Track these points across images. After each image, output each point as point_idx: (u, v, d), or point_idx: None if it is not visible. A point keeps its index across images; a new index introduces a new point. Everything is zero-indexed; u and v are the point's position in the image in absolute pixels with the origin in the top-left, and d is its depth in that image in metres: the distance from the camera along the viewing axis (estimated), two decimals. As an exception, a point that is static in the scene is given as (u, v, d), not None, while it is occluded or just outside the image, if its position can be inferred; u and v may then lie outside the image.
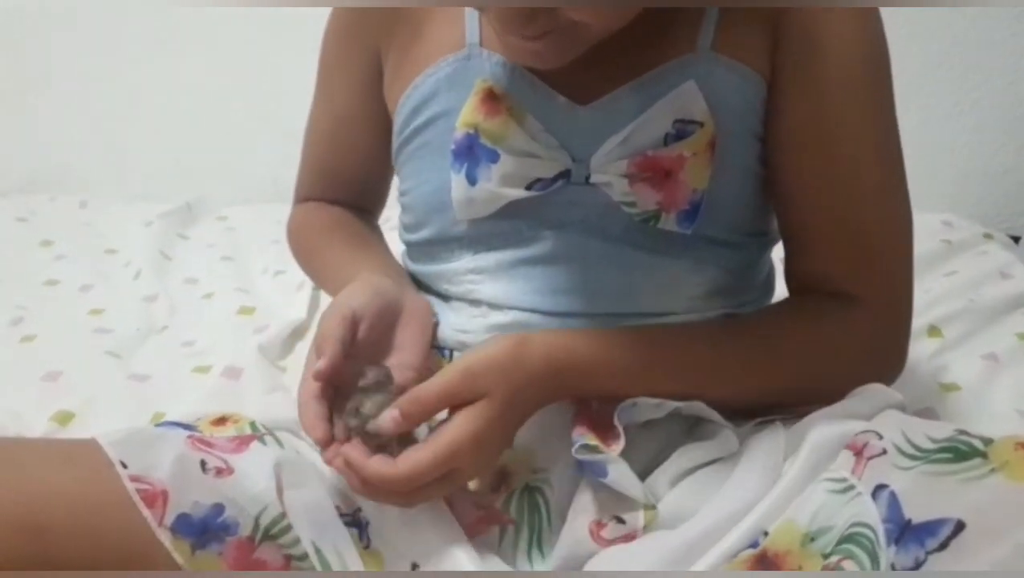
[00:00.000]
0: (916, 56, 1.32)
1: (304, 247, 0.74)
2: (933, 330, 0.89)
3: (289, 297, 0.99)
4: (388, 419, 0.50)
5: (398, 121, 0.63)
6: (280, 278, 1.04)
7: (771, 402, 0.58)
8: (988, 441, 0.44)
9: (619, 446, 0.52)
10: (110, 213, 1.28)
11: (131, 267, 1.10)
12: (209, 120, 1.44)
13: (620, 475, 0.51)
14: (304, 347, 0.89)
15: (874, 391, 0.54)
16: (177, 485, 0.48)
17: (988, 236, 1.18)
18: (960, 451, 0.44)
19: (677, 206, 0.57)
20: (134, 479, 0.48)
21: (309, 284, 1.04)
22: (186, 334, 0.93)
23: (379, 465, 0.49)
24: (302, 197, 0.75)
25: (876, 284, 0.59)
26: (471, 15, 0.59)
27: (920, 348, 0.87)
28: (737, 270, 0.62)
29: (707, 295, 0.61)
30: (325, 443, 0.50)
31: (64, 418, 0.76)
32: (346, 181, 0.72)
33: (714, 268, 0.60)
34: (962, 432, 0.46)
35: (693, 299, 0.60)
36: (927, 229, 1.19)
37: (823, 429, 0.51)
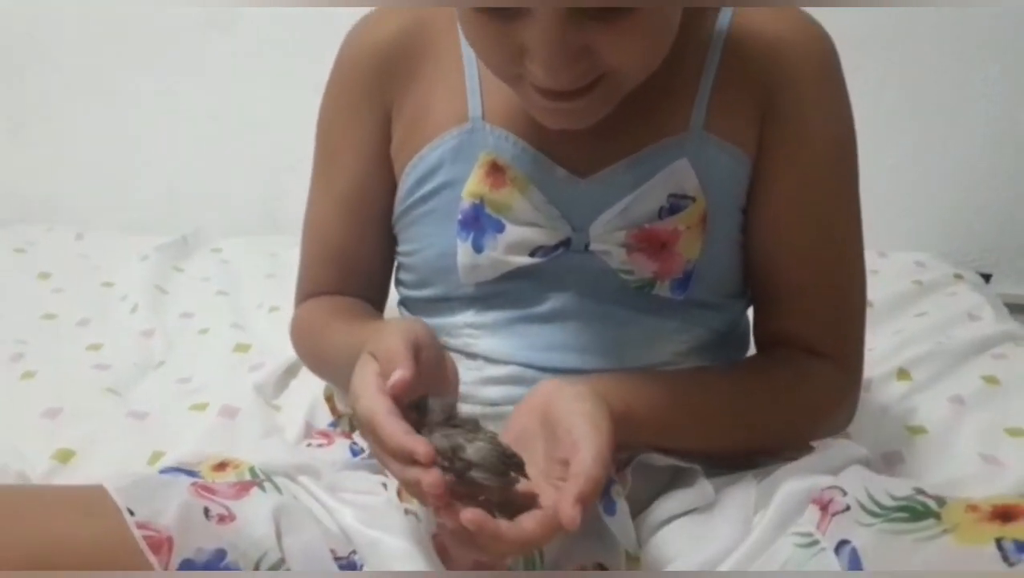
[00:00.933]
0: (891, 98, 1.37)
1: (314, 341, 0.71)
2: (902, 373, 0.93)
3: (283, 335, 1.00)
4: (570, 506, 0.47)
5: (402, 189, 0.66)
6: (274, 315, 1.07)
7: (752, 450, 0.62)
8: (942, 502, 0.48)
9: (625, 489, 0.55)
10: (106, 245, 1.30)
11: (128, 301, 1.12)
12: (204, 151, 1.47)
13: (623, 515, 0.54)
14: (298, 385, 0.92)
15: (842, 446, 0.58)
16: (181, 531, 0.51)
17: (958, 276, 1.22)
18: (916, 511, 0.47)
19: (671, 275, 0.62)
20: (140, 526, 0.50)
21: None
22: (183, 370, 0.95)
23: (517, 532, 0.48)
24: (307, 293, 0.74)
25: (844, 344, 0.66)
26: (473, 90, 0.63)
27: (890, 391, 0.91)
28: (719, 328, 0.67)
29: (690, 351, 0.65)
30: (430, 460, 0.47)
31: (65, 456, 0.78)
32: (356, 267, 0.72)
33: (699, 328, 0.65)
34: (920, 491, 0.49)
35: (677, 355, 0.65)
36: (900, 270, 1.24)
37: (792, 484, 0.54)
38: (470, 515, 0.46)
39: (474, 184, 0.61)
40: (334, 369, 0.69)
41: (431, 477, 0.47)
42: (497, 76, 0.57)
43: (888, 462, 0.79)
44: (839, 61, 0.65)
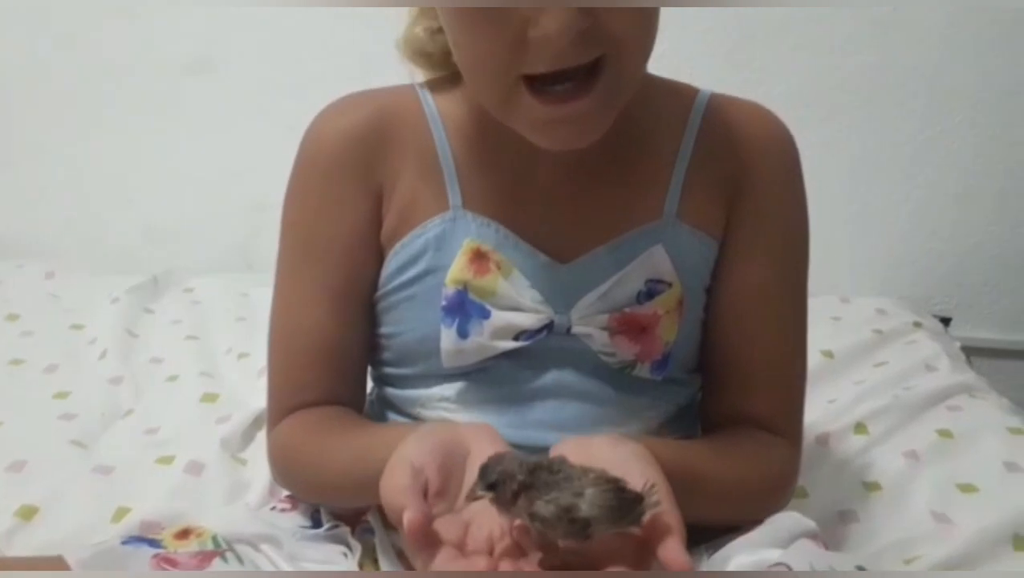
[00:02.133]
0: (856, 149, 1.41)
1: (301, 467, 0.66)
2: (860, 427, 0.95)
3: (251, 383, 1.02)
4: (680, 553, 0.45)
5: (384, 273, 0.66)
6: (243, 361, 1.08)
7: (723, 520, 0.64)
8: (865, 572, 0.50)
9: None
10: (77, 285, 1.30)
11: (97, 345, 1.12)
12: (177, 190, 1.48)
13: None
14: (264, 438, 0.92)
15: (793, 520, 0.60)
16: (142, 607, 0.52)
17: (918, 324, 1.26)
18: (848, 585, 0.49)
19: (652, 357, 0.64)
20: None
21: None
22: (150, 420, 0.95)
23: None
24: (288, 408, 0.67)
25: (793, 422, 0.69)
26: (451, 179, 0.64)
27: (848, 445, 0.93)
28: (683, 402, 0.70)
29: (659, 426, 0.68)
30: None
31: (28, 513, 0.78)
32: (346, 364, 0.68)
33: (668, 403, 0.68)
34: (859, 568, 0.51)
35: (647, 431, 0.66)
36: (862, 317, 1.27)
37: (742, 558, 0.56)
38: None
39: (458, 271, 0.62)
40: (339, 493, 0.65)
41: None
42: (492, 96, 0.56)
43: (843, 521, 0.81)
44: (799, 160, 0.69)
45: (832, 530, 0.78)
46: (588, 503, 0.45)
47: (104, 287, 1.27)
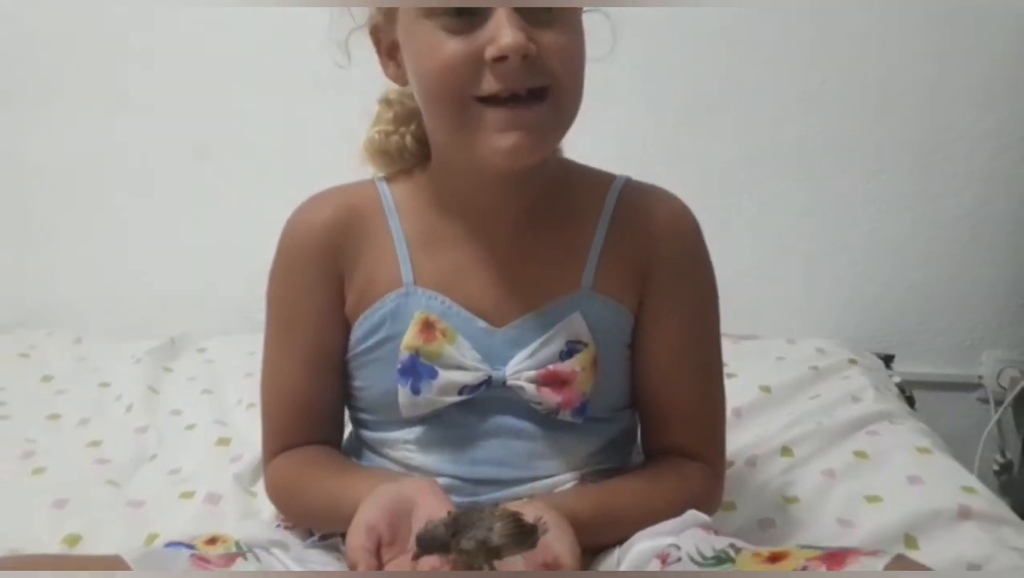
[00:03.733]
0: (799, 206, 1.58)
1: (298, 500, 0.81)
2: (785, 450, 1.09)
3: (259, 428, 1.16)
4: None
5: (352, 339, 0.80)
6: (252, 410, 1.22)
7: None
8: (739, 551, 0.64)
9: None
10: (102, 349, 1.45)
11: (123, 400, 1.27)
12: (189, 261, 1.63)
13: None
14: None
15: (691, 515, 0.74)
16: (183, 595, 0.66)
17: (853, 361, 1.39)
18: (721, 559, 0.64)
19: (571, 405, 0.78)
20: None
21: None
22: (173, 462, 1.10)
23: None
24: (277, 449, 0.83)
25: (714, 450, 0.84)
26: (404, 260, 0.78)
27: (773, 466, 1.07)
28: (612, 435, 0.84)
29: (589, 456, 0.81)
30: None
31: (73, 541, 0.92)
32: (322, 415, 0.83)
33: (595, 437, 0.82)
34: (732, 545, 0.66)
35: (579, 461, 0.81)
36: (802, 356, 1.41)
37: (643, 544, 0.71)
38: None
39: (410, 338, 0.75)
40: (322, 524, 0.79)
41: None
42: (452, 117, 0.68)
43: (763, 527, 0.94)
44: (702, 237, 0.82)
45: (751, 534, 0.91)
46: (497, 534, 0.61)
47: (127, 350, 1.42)
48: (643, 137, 1.55)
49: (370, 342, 0.79)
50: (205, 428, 1.19)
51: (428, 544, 0.62)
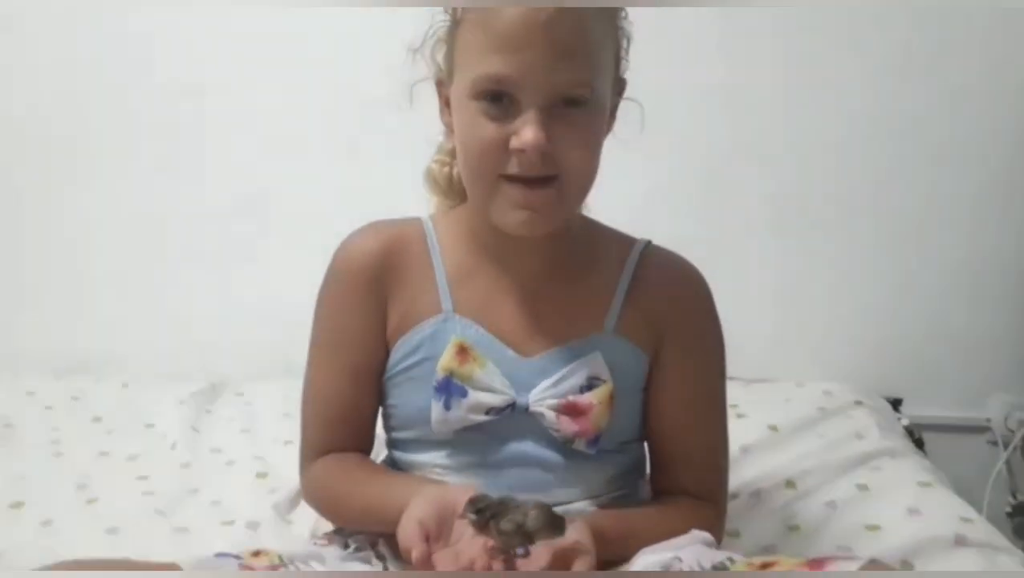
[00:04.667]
0: (805, 248, 1.64)
1: (332, 498, 0.89)
2: (789, 483, 1.15)
3: (295, 463, 1.24)
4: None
5: (391, 359, 0.88)
6: (289, 447, 1.30)
7: None
8: (735, 562, 0.71)
9: None
10: (147, 393, 1.54)
11: (167, 439, 1.36)
12: (225, 310, 1.71)
13: None
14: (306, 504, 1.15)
15: (693, 535, 0.81)
16: (231, 597, 0.73)
17: (859, 403, 1.45)
18: (717, 569, 0.71)
19: (587, 436, 0.85)
20: None
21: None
22: (215, 495, 1.18)
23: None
24: (316, 453, 0.90)
25: (717, 490, 0.91)
26: (443, 289, 0.87)
27: (777, 498, 1.13)
28: (623, 464, 0.91)
29: (604, 484, 0.89)
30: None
31: (126, 563, 1.00)
32: (359, 424, 0.90)
33: (608, 466, 0.89)
34: (729, 558, 0.72)
35: (595, 490, 0.88)
36: (810, 398, 1.46)
37: (649, 558, 0.78)
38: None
39: (446, 360, 0.83)
40: (365, 520, 0.86)
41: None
42: (483, 188, 0.78)
43: (765, 553, 1.00)
44: (712, 300, 0.91)
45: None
46: (532, 520, 0.71)
47: (170, 393, 1.51)
48: (656, 187, 1.61)
49: (408, 362, 0.87)
50: (244, 464, 1.27)
51: (482, 506, 0.71)
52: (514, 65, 0.74)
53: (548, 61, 0.74)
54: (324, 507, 0.92)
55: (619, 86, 0.84)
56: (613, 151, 0.83)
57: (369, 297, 0.88)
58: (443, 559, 0.71)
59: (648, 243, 0.92)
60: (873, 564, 0.66)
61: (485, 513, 0.72)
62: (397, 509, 0.76)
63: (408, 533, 0.72)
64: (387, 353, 0.89)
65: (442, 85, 0.85)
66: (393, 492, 0.82)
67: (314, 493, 0.92)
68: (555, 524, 0.72)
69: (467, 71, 0.77)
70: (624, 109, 0.87)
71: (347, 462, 0.90)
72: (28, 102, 1.67)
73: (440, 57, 0.84)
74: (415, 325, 0.87)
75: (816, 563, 0.67)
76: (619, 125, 0.85)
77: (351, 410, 0.90)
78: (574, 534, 0.74)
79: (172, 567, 0.73)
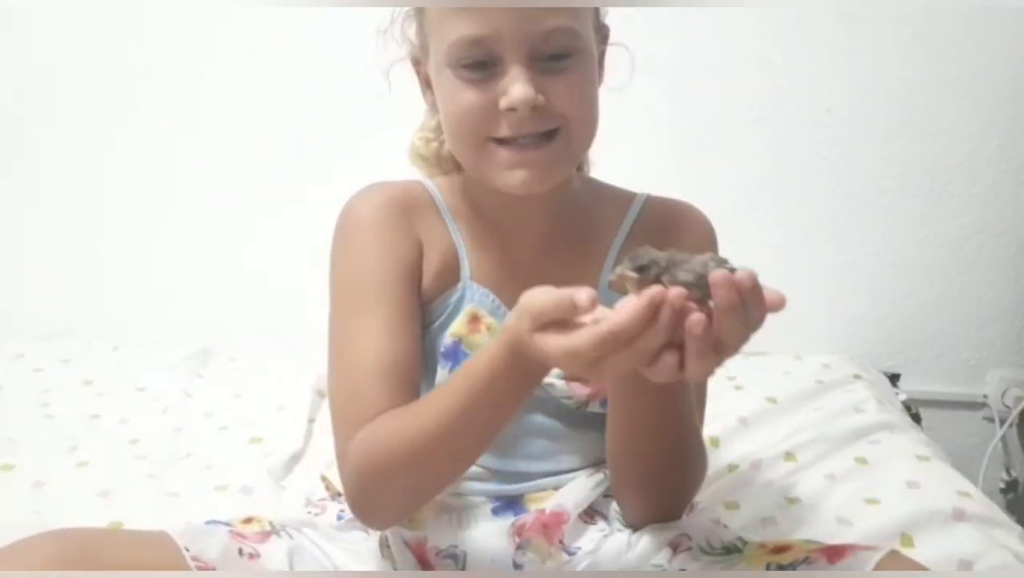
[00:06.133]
0: (810, 224, 1.63)
1: (400, 438, 0.69)
2: (789, 456, 1.14)
3: (288, 429, 1.23)
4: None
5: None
6: (282, 413, 1.29)
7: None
8: (746, 542, 0.69)
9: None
10: (139, 356, 1.52)
11: (159, 403, 1.34)
12: (221, 280, 1.70)
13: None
14: (300, 470, 1.14)
15: (700, 514, 0.80)
16: (222, 565, 0.71)
17: (857, 376, 1.44)
18: (729, 550, 0.70)
19: (600, 396, 0.81)
20: (193, 558, 0.70)
21: (305, 417, 1.29)
22: (207, 460, 1.16)
23: None
24: (362, 418, 0.72)
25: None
26: (464, 258, 0.81)
27: (776, 470, 1.12)
28: None
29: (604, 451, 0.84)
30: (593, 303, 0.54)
31: (116, 526, 0.99)
32: (407, 377, 0.75)
33: None
34: (739, 538, 0.71)
35: (597, 457, 0.84)
36: (808, 371, 1.45)
37: (657, 534, 0.76)
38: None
39: (457, 327, 0.79)
40: (451, 441, 0.68)
41: (676, 291, 0.53)
42: (471, 152, 0.73)
43: (764, 525, 0.99)
44: (715, 238, 0.86)
45: (754, 532, 0.96)
46: (714, 266, 0.55)
47: (162, 357, 1.49)
48: (656, 161, 1.61)
49: (427, 327, 0.81)
50: (237, 429, 1.25)
51: (647, 266, 0.56)
52: (488, 22, 0.69)
53: (522, 12, 0.69)
54: (390, 471, 0.70)
55: (602, 33, 0.80)
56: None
57: (399, 236, 0.80)
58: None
59: (649, 195, 0.88)
60: (892, 556, 0.65)
61: (650, 269, 0.56)
62: (485, 369, 0.63)
63: (540, 303, 0.56)
64: (419, 303, 0.80)
65: (419, 64, 0.81)
66: (467, 367, 0.66)
67: (368, 464, 0.71)
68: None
69: (441, 40, 0.73)
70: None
71: (401, 409, 0.72)
72: (21, 70, 1.65)
73: (412, 33, 0.80)
74: (440, 294, 0.82)
75: (834, 551, 0.66)
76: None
77: (390, 363, 0.75)
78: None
79: (163, 538, 0.72)
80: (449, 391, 0.67)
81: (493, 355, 0.62)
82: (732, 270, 0.55)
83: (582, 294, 0.54)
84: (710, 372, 0.55)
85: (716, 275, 0.53)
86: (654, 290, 0.52)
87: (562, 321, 0.56)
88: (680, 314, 0.52)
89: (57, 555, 0.64)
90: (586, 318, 0.56)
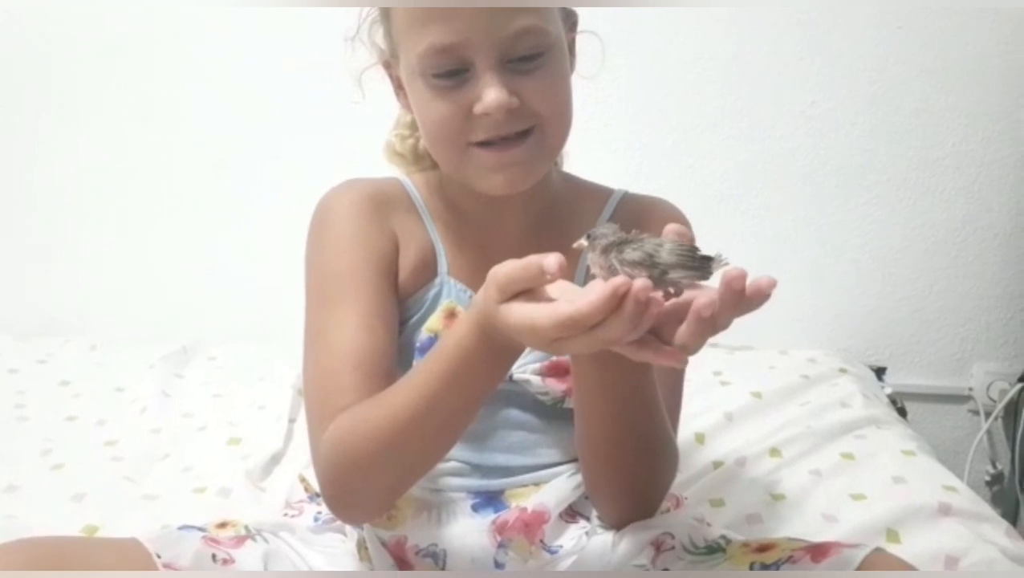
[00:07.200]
0: (796, 220, 1.62)
1: (371, 425, 0.67)
2: (774, 451, 1.13)
3: (268, 429, 1.21)
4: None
5: None
6: (262, 412, 1.27)
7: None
8: (729, 541, 0.68)
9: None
10: (117, 355, 1.50)
11: (137, 403, 1.32)
12: (199, 273, 1.68)
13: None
14: (280, 471, 1.12)
15: (684, 511, 0.78)
16: (195, 571, 0.70)
17: (843, 370, 1.44)
18: (712, 549, 0.68)
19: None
20: (166, 565, 0.69)
21: (286, 417, 1.27)
22: (186, 461, 1.14)
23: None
24: (334, 410, 0.70)
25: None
26: (440, 253, 0.81)
27: (761, 466, 1.11)
28: None
29: None
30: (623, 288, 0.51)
31: (90, 530, 0.96)
32: (381, 369, 0.73)
33: None
34: (723, 537, 0.70)
35: (573, 453, 0.82)
36: (793, 366, 1.45)
37: (639, 534, 0.75)
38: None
39: (434, 322, 0.78)
40: (425, 428, 0.66)
41: (640, 283, 0.51)
42: (450, 157, 0.73)
43: (749, 522, 0.98)
44: (692, 231, 0.85)
45: (739, 529, 0.95)
46: (667, 252, 0.55)
47: (141, 356, 1.47)
48: (640, 153, 1.60)
49: (404, 322, 0.81)
50: (216, 429, 1.23)
51: (598, 237, 0.56)
52: (457, 31, 0.68)
53: (488, 15, 0.68)
54: (364, 460, 0.68)
55: (571, 21, 0.79)
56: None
57: (375, 230, 0.79)
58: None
59: (626, 192, 0.87)
60: (877, 553, 0.64)
61: (598, 240, 0.57)
62: (457, 348, 0.62)
63: (507, 272, 0.56)
64: (396, 298, 0.79)
65: (390, 67, 0.79)
66: (437, 348, 0.65)
67: (340, 453, 0.69)
68: (699, 264, 0.54)
69: (410, 48, 0.72)
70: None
71: (374, 397, 0.70)
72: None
73: (379, 38, 0.79)
74: (418, 289, 0.81)
75: (818, 550, 0.65)
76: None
77: (365, 354, 0.73)
78: (730, 267, 0.54)
79: (133, 546, 0.70)
80: (420, 374, 0.65)
81: (462, 333, 0.61)
82: (704, 257, 0.55)
83: (550, 259, 0.54)
84: (701, 346, 0.54)
85: (730, 273, 0.51)
86: (619, 281, 0.51)
87: (530, 291, 0.56)
88: (644, 304, 0.51)
89: (27, 565, 0.63)
90: (555, 289, 0.55)
